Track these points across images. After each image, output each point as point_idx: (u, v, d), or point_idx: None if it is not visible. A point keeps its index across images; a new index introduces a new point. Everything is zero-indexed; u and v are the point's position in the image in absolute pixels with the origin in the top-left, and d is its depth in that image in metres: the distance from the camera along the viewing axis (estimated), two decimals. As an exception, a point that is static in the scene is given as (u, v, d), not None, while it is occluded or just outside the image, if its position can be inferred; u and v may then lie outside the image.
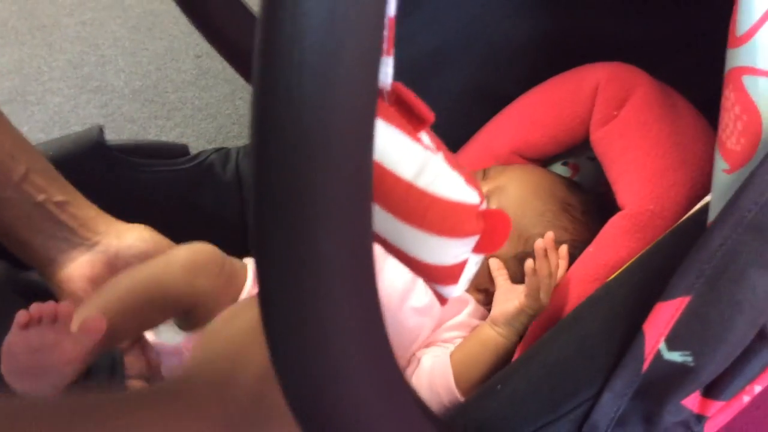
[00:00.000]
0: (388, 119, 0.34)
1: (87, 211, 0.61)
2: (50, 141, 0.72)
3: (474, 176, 0.37)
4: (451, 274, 0.37)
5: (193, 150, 0.82)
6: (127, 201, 0.74)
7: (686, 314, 0.44)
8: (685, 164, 0.61)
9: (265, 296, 0.29)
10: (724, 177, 0.44)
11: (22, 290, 0.66)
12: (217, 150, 0.80)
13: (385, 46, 0.31)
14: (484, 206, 0.36)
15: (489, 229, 0.36)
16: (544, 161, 0.77)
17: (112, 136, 1.12)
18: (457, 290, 0.38)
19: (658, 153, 0.62)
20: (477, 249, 0.36)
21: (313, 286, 0.28)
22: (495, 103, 0.77)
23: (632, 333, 0.47)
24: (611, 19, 0.72)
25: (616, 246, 0.61)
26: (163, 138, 1.45)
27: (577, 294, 0.61)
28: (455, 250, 0.36)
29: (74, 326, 0.51)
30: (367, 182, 0.28)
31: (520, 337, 0.64)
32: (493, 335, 0.64)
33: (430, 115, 0.35)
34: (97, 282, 0.59)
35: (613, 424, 0.47)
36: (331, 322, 0.29)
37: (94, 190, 0.72)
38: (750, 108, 0.42)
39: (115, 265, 0.60)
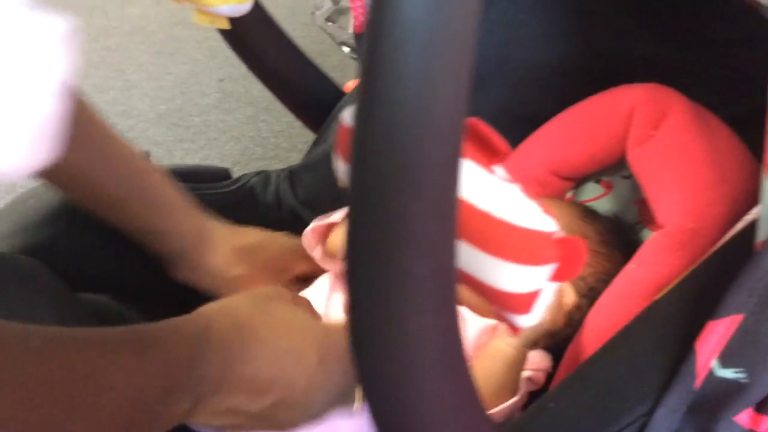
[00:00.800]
0: (465, 154, 0.36)
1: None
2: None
3: (548, 206, 0.39)
4: (526, 302, 0.38)
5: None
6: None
7: (739, 332, 0.46)
8: (723, 183, 0.63)
9: (354, 318, 0.31)
10: (772, 198, 0.46)
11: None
12: (258, 173, 0.83)
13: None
14: (559, 234, 0.38)
15: (565, 256, 0.37)
16: (578, 179, 0.78)
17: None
18: (531, 320, 0.39)
19: (696, 172, 0.64)
20: (554, 277, 0.38)
21: (402, 309, 0.30)
22: (529, 125, 0.78)
23: (684, 351, 0.48)
24: (643, 41, 0.73)
25: (657, 264, 0.62)
26: (188, 160, 1.47)
27: (620, 310, 0.62)
28: (530, 278, 0.37)
29: None
30: (453, 212, 0.30)
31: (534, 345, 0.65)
32: (501, 347, 0.65)
33: (506, 148, 0.37)
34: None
35: (668, 440, 0.48)
36: (417, 340, 0.31)
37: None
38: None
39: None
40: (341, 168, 0.42)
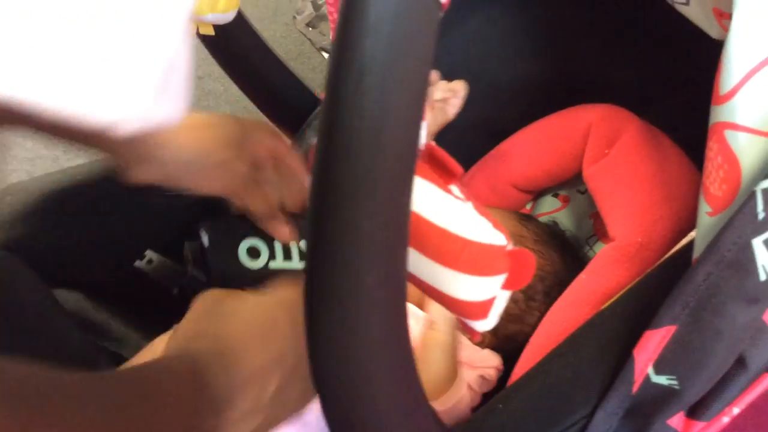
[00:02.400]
0: (423, 175, 0.39)
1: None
2: (83, 165, 0.76)
3: (499, 221, 0.42)
4: (482, 309, 0.42)
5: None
6: (154, 220, 0.79)
7: (672, 342, 0.49)
8: (670, 200, 0.66)
9: (311, 321, 0.34)
10: (707, 219, 0.49)
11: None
12: None
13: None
14: (509, 247, 0.41)
15: (516, 267, 0.41)
16: (536, 192, 0.82)
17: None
18: (488, 324, 0.43)
19: (646, 189, 0.67)
20: (505, 286, 0.41)
21: (355, 311, 0.33)
22: (495, 137, 0.81)
23: (624, 358, 0.51)
24: (605, 63, 0.77)
25: (606, 275, 0.66)
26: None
27: (571, 317, 0.65)
28: (485, 287, 0.41)
29: None
30: (404, 227, 0.33)
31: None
32: (433, 334, 0.68)
33: (458, 170, 0.40)
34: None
35: (605, 440, 0.52)
36: (368, 344, 0.34)
37: (119, 211, 0.77)
38: (731, 159, 0.47)
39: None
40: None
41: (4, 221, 0.70)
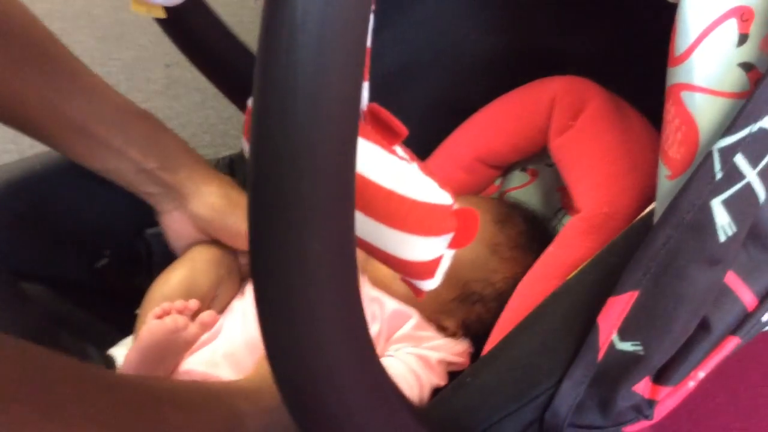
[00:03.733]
0: (367, 136, 0.38)
1: (174, 174, 0.68)
2: (40, 154, 0.75)
3: (445, 179, 0.42)
4: (429, 269, 0.42)
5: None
6: (111, 210, 0.78)
7: (635, 307, 0.49)
8: (635, 170, 0.66)
9: (259, 293, 0.33)
10: (666, 182, 0.49)
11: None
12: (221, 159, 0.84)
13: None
14: (455, 206, 0.41)
15: (461, 226, 0.41)
16: (504, 167, 0.81)
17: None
18: (434, 283, 0.43)
19: (611, 160, 0.67)
20: (451, 245, 0.41)
21: (302, 283, 0.32)
22: (461, 115, 0.81)
23: (588, 326, 0.51)
24: (567, 35, 0.77)
25: (574, 246, 0.66)
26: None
27: (539, 290, 0.65)
28: (433, 247, 0.41)
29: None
30: (350, 190, 0.32)
31: None
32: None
33: (403, 130, 0.39)
34: (187, 239, 0.70)
35: (572, 409, 0.51)
36: (318, 316, 0.33)
37: (78, 200, 0.75)
38: (688, 120, 0.47)
39: (195, 223, 0.69)
40: (247, 149, 0.45)
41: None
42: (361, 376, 0.36)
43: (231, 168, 0.85)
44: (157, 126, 0.67)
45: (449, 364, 0.69)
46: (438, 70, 0.83)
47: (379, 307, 0.70)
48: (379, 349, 0.70)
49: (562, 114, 0.71)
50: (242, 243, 0.70)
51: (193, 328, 0.63)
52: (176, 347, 0.63)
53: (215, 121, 1.48)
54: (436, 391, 0.67)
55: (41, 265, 0.74)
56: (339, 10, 0.28)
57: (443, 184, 0.41)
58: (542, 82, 0.75)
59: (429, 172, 0.41)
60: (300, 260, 0.31)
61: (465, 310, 0.72)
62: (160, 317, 0.63)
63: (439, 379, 0.68)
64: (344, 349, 0.34)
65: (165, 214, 0.70)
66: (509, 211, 0.75)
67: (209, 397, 0.50)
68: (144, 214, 0.79)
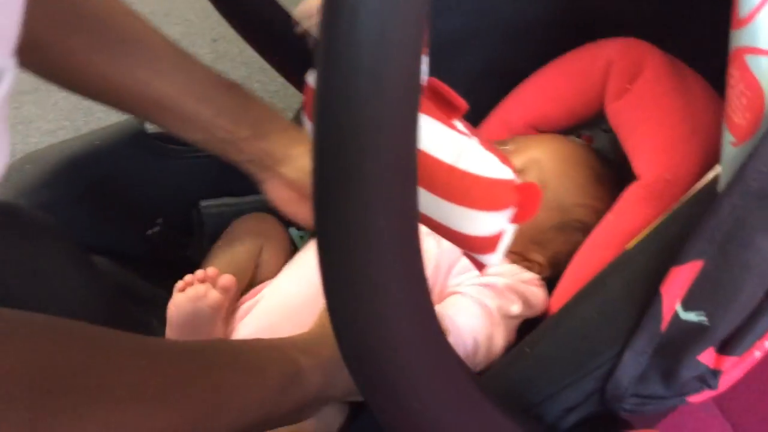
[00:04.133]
0: (427, 111, 0.38)
1: (268, 141, 0.68)
2: (98, 130, 0.76)
3: (506, 154, 0.41)
4: (492, 243, 0.41)
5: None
6: (165, 184, 0.79)
7: (700, 277, 0.48)
8: (696, 134, 0.64)
9: (324, 267, 0.33)
10: (731, 149, 0.47)
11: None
12: None
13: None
14: (517, 181, 0.41)
15: (523, 201, 0.40)
16: (558, 133, 0.80)
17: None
18: (496, 258, 0.43)
19: (671, 124, 0.65)
20: (513, 219, 0.41)
21: (366, 258, 0.32)
22: (513, 80, 0.80)
23: (651, 296, 0.50)
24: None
25: (633, 214, 0.64)
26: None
27: (598, 259, 0.64)
28: (494, 222, 0.40)
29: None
30: (412, 165, 0.32)
31: None
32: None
33: (463, 104, 0.39)
34: (288, 200, 0.70)
35: (635, 380, 0.51)
36: (382, 290, 0.33)
37: (136, 173, 0.77)
38: (753, 85, 0.45)
39: (293, 187, 0.69)
40: (308, 127, 0.45)
41: (25, 189, 0.71)
42: (423, 348, 0.36)
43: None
44: (245, 95, 0.67)
45: (521, 294, 0.68)
46: (489, 36, 0.81)
47: (436, 241, 0.69)
48: (438, 286, 0.69)
49: (618, 77, 0.70)
50: None
51: (213, 293, 0.65)
52: (204, 315, 0.65)
53: (262, 94, 1.48)
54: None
55: (104, 237, 0.76)
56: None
57: (503, 159, 0.40)
58: (597, 44, 0.73)
59: (489, 147, 0.40)
60: (364, 236, 0.31)
61: (562, 239, 0.70)
62: (182, 290, 0.65)
63: (510, 304, 0.66)
64: (407, 323, 0.35)
65: (263, 182, 0.70)
66: (603, 156, 0.74)
67: (267, 355, 0.51)
68: (200, 188, 0.80)
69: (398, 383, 0.37)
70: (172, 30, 1.66)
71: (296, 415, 0.52)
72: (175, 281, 0.67)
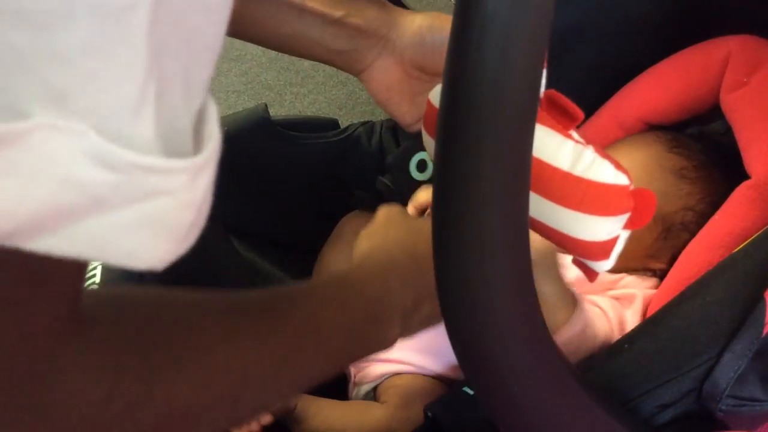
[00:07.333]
0: (544, 122, 0.41)
1: (367, 15, 0.65)
2: (224, 117, 0.82)
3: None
4: (605, 249, 0.43)
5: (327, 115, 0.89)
6: (286, 169, 0.84)
7: (806, 285, 0.48)
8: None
9: (439, 261, 0.37)
10: None
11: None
12: (364, 123, 0.88)
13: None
14: (632, 187, 0.42)
15: (637, 206, 0.42)
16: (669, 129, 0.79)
17: (250, 103, 1.17)
18: (608, 264, 0.45)
19: (788, 122, 0.64)
20: (627, 225, 0.43)
21: (478, 253, 0.35)
22: (626, 76, 0.80)
23: (755, 300, 0.51)
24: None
25: (740, 215, 0.64)
26: (297, 104, 1.54)
27: (702, 260, 0.64)
28: (609, 227, 0.42)
29: None
30: (526, 172, 0.34)
31: None
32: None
33: (579, 114, 0.41)
34: (394, 87, 0.67)
35: (733, 381, 0.52)
36: (492, 286, 0.36)
37: (259, 158, 0.82)
38: None
39: (404, 62, 0.66)
40: (429, 143, 0.48)
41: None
42: (529, 345, 0.39)
43: (394, 131, 0.87)
44: None
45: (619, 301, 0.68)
46: (604, 30, 0.81)
47: None
48: None
49: (736, 69, 0.69)
50: None
51: None
52: None
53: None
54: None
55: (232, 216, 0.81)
56: (525, 8, 0.30)
57: (618, 165, 0.42)
58: (715, 40, 0.72)
59: (605, 155, 0.42)
60: (478, 234, 0.35)
61: (671, 244, 0.71)
62: None
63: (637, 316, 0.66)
64: (515, 320, 0.37)
65: (365, 70, 0.67)
66: (676, 135, 0.74)
67: (357, 284, 0.50)
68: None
69: (500, 368, 0.40)
70: None
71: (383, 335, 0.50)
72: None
